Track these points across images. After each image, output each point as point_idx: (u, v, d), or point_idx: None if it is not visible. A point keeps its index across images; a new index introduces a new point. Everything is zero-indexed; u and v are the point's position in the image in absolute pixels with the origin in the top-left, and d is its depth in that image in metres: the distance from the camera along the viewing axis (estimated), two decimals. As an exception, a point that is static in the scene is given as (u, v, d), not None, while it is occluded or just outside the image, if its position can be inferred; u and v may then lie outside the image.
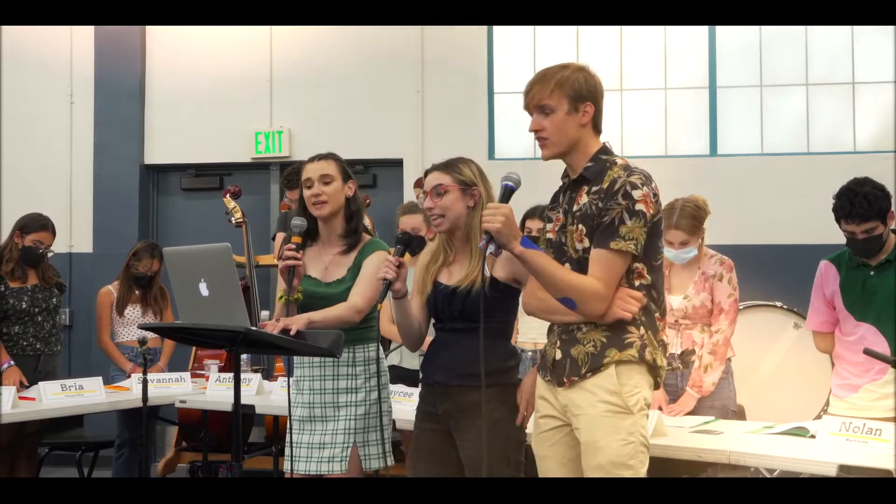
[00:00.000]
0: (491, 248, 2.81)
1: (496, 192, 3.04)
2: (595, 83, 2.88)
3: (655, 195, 2.81)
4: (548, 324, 2.98)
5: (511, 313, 3.30)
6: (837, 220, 3.85)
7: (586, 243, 2.81)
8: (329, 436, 3.49)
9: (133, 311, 5.75)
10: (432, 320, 3.38)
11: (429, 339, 3.42)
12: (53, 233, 5.49)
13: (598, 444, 2.75)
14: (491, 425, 3.13)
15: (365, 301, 3.45)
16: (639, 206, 2.76)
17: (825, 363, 4.64)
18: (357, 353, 3.53)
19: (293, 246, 3.41)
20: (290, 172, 5.86)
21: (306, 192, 3.55)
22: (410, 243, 3.24)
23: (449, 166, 3.29)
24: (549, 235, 2.97)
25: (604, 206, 2.78)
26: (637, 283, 2.82)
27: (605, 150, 2.89)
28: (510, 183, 2.84)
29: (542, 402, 2.96)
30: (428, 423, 3.30)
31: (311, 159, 3.61)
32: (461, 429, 3.20)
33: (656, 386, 2.89)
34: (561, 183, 2.99)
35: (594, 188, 2.82)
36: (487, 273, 3.15)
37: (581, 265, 2.82)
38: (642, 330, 2.81)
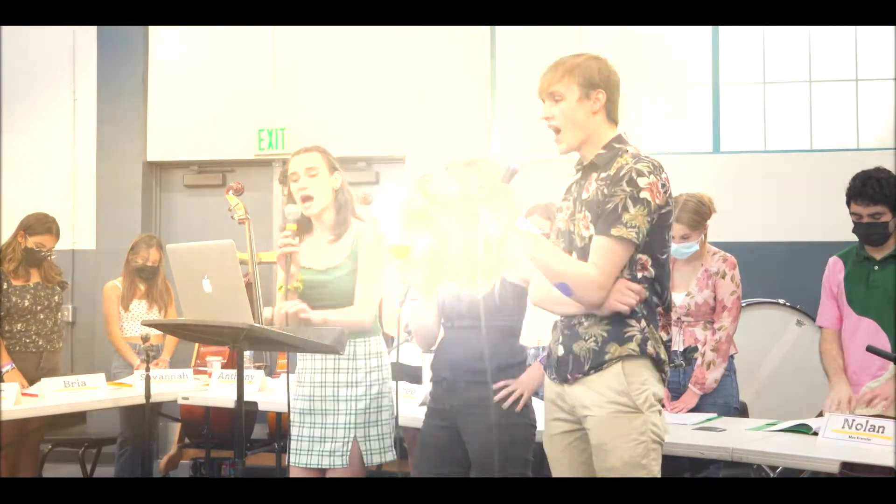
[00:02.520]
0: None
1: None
2: (609, 72, 2.80)
3: (664, 185, 2.71)
4: (550, 321, 2.96)
5: (520, 312, 3.31)
6: (848, 203, 3.88)
7: (592, 230, 2.73)
8: (330, 429, 3.46)
9: (138, 307, 5.75)
10: (442, 320, 3.40)
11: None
12: (57, 235, 5.49)
13: (607, 446, 2.68)
14: (497, 423, 3.14)
15: (378, 301, 3.46)
16: (643, 194, 2.66)
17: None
18: (358, 346, 3.49)
19: (289, 233, 3.39)
20: (286, 170, 5.83)
21: (293, 187, 3.52)
22: None
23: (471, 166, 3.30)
24: (560, 225, 2.90)
25: (609, 192, 2.70)
26: (640, 275, 2.72)
27: (619, 139, 2.81)
28: (514, 164, 2.75)
29: (551, 405, 2.88)
30: (437, 419, 3.32)
31: (296, 153, 3.57)
32: (468, 425, 3.21)
33: (663, 381, 2.79)
34: (575, 172, 2.92)
35: (602, 174, 2.75)
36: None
37: (586, 253, 2.72)
38: (643, 323, 2.71)
